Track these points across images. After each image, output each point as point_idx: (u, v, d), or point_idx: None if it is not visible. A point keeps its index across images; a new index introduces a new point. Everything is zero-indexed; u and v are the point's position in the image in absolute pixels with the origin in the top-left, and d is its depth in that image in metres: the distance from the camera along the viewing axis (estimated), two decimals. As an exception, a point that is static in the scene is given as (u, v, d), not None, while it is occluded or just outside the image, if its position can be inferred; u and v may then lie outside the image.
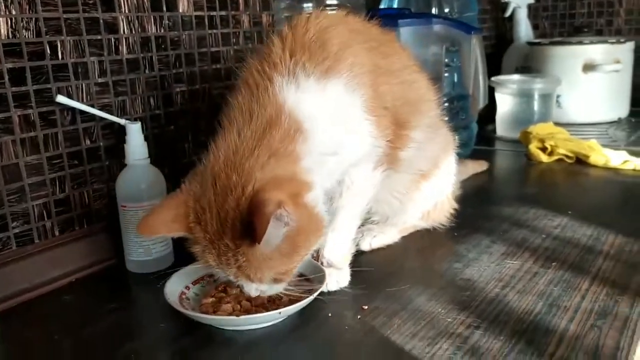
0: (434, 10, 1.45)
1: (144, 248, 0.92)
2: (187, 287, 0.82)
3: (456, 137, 1.07)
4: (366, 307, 0.78)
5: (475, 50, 1.24)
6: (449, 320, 0.74)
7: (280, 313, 0.73)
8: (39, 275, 0.89)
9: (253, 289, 0.73)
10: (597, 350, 0.65)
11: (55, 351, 0.73)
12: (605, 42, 1.87)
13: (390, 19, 1.14)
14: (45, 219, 0.92)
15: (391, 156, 0.86)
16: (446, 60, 1.37)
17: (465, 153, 1.48)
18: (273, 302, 0.77)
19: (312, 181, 0.72)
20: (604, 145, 1.45)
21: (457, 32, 1.25)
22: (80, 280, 0.93)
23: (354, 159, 0.81)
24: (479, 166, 1.40)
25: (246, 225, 0.65)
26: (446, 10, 1.48)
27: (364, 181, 0.85)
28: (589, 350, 0.65)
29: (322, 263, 0.86)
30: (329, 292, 0.83)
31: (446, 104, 1.42)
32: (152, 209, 0.75)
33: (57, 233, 0.93)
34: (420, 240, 1.03)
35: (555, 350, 0.66)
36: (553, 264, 0.88)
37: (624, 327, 0.70)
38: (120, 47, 0.98)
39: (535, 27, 2.22)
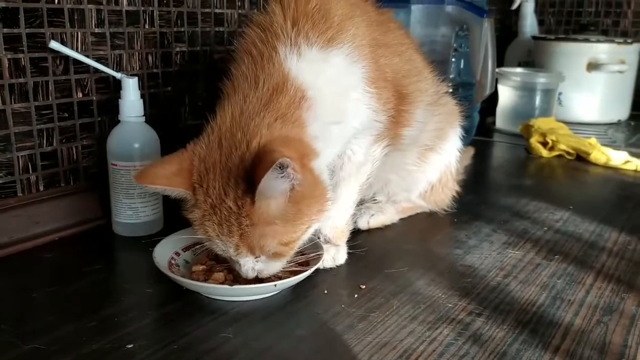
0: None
1: (132, 210, 0.88)
2: (177, 253, 0.78)
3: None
4: (364, 287, 0.75)
5: (486, 34, 1.21)
6: (449, 305, 0.71)
7: (275, 285, 0.69)
8: (20, 230, 0.84)
9: (250, 268, 0.69)
10: (604, 346, 0.63)
11: (31, 308, 0.69)
12: (612, 41, 1.84)
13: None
14: (30, 171, 0.87)
15: (393, 132, 0.84)
16: (454, 45, 1.33)
17: (466, 142, 1.44)
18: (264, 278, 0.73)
19: (317, 149, 0.69)
20: (604, 145, 1.42)
21: (470, 14, 1.21)
22: (64, 239, 0.88)
23: (355, 130, 0.78)
24: (468, 154, 1.35)
25: (249, 180, 0.61)
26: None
27: (365, 153, 0.82)
28: (596, 345, 0.63)
29: (318, 238, 0.82)
30: (324, 269, 0.80)
31: (450, 91, 1.39)
32: (153, 162, 0.71)
33: (41, 188, 0.88)
34: (419, 224, 1.00)
35: (560, 344, 0.63)
36: (556, 256, 0.86)
37: (631, 325, 0.67)
38: (120, -2, 0.93)
39: (540, 22, 2.19)
